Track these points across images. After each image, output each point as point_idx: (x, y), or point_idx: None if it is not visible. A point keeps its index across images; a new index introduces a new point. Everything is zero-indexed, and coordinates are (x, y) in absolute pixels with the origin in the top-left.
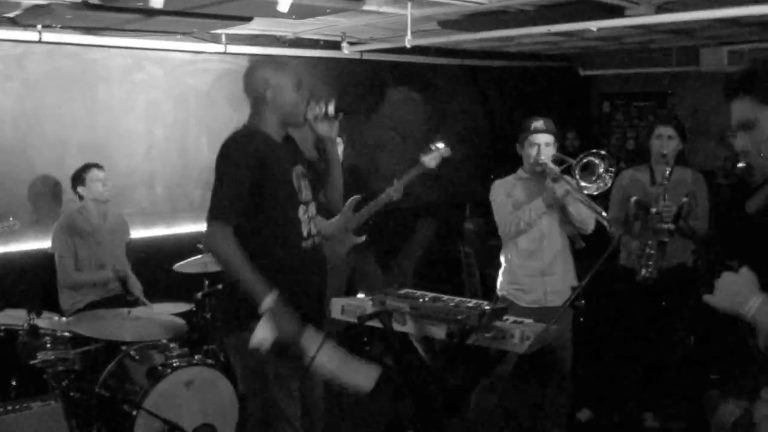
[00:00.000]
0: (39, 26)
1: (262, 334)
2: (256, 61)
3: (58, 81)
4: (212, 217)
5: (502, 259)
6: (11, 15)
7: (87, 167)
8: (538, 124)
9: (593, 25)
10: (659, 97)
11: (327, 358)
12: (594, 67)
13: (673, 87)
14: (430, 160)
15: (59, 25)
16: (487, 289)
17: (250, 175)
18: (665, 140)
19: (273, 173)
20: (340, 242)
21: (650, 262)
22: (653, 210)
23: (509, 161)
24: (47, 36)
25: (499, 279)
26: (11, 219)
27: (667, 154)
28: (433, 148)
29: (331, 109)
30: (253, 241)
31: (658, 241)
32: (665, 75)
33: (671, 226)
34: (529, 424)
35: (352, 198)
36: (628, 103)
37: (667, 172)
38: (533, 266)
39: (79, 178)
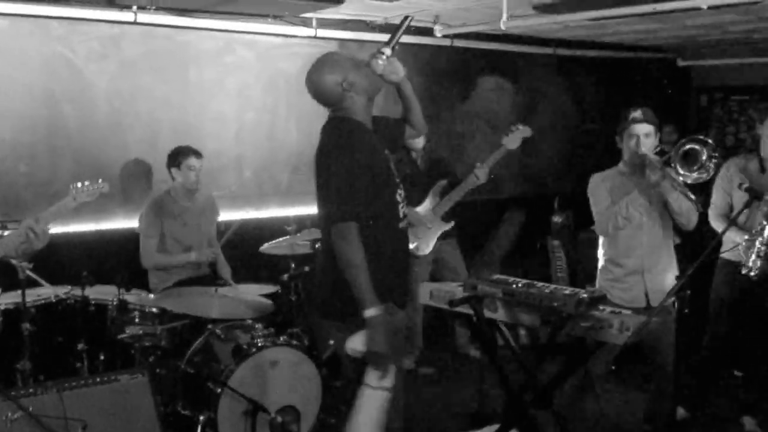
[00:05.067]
0: (134, 7)
1: (356, 344)
2: (312, 71)
3: (151, 62)
4: (339, 217)
5: (599, 255)
6: None
7: (186, 152)
8: (637, 114)
9: (703, 2)
10: (761, 90)
11: (381, 399)
12: (693, 57)
13: None
14: (511, 141)
15: (153, 6)
16: (575, 284)
17: (364, 168)
18: None
19: (378, 161)
20: (428, 229)
21: (761, 254)
22: (766, 197)
23: (600, 155)
24: (142, 17)
25: (598, 277)
26: (100, 181)
27: None
28: (513, 129)
29: (387, 51)
30: (365, 228)
31: None
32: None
33: None
34: (627, 426)
35: (437, 184)
36: (727, 96)
37: None
38: (631, 263)
39: (175, 159)
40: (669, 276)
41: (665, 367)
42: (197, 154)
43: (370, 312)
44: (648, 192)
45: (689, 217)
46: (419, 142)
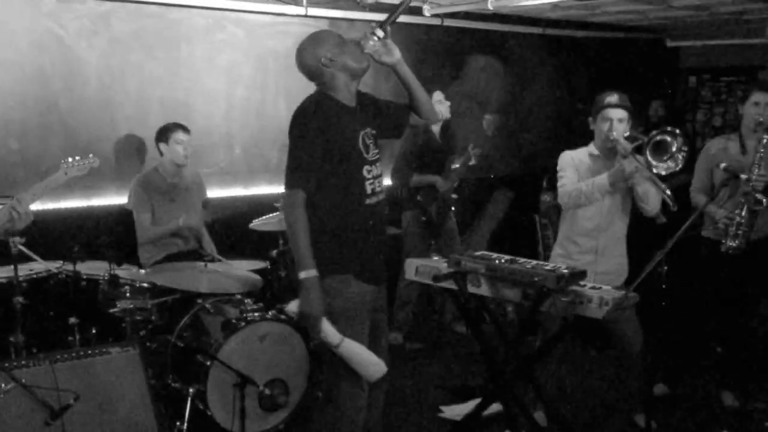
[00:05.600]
0: None
1: (293, 306)
2: (299, 46)
3: (142, 39)
4: (288, 184)
5: (560, 229)
6: None
7: (174, 127)
8: (612, 98)
9: None
10: (750, 71)
11: (348, 348)
12: (681, 38)
13: (766, 60)
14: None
15: None
16: None
17: (320, 141)
18: (762, 107)
19: (339, 136)
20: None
21: (739, 232)
22: (744, 177)
23: (589, 135)
24: None
25: (553, 249)
26: (91, 156)
27: (764, 121)
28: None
29: (378, 32)
30: (323, 199)
31: (749, 210)
32: (757, 47)
33: (763, 198)
34: (603, 398)
35: (449, 157)
36: (715, 77)
37: (765, 140)
38: (589, 245)
39: (163, 135)
40: (617, 261)
41: (630, 346)
42: (185, 129)
43: (303, 275)
44: (614, 178)
45: (654, 205)
46: (440, 110)
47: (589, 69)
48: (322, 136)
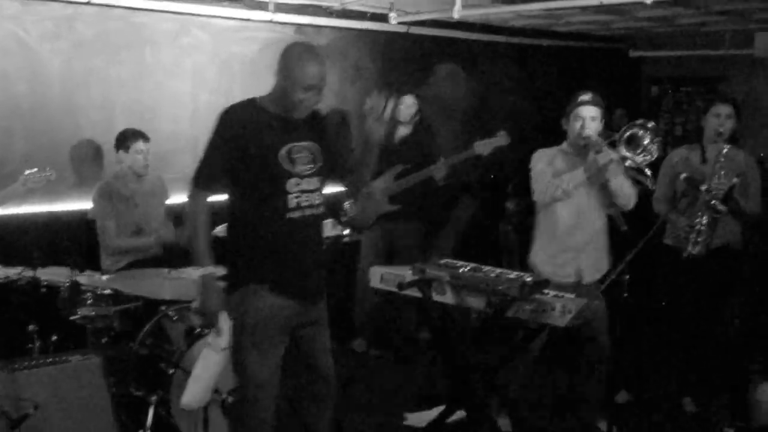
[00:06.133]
0: None
1: (195, 304)
2: (296, 42)
3: (106, 43)
4: (193, 180)
5: (537, 230)
6: None
7: (135, 136)
8: (585, 97)
9: None
10: (710, 81)
11: (208, 361)
12: (644, 48)
13: (725, 71)
14: (483, 147)
15: None
16: (526, 268)
17: (234, 147)
18: (723, 119)
19: (256, 145)
20: (370, 205)
21: (699, 239)
22: (703, 187)
23: (553, 143)
24: None
25: (532, 251)
26: (48, 169)
27: (724, 132)
28: (493, 135)
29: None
30: (242, 208)
31: (710, 217)
32: (717, 58)
33: (722, 207)
34: (563, 406)
35: (396, 165)
36: (677, 87)
37: (724, 150)
38: (569, 242)
39: (124, 142)
40: (602, 255)
41: (599, 350)
42: (145, 138)
43: (201, 271)
44: (589, 172)
45: (628, 200)
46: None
47: (553, 77)
48: (236, 142)
